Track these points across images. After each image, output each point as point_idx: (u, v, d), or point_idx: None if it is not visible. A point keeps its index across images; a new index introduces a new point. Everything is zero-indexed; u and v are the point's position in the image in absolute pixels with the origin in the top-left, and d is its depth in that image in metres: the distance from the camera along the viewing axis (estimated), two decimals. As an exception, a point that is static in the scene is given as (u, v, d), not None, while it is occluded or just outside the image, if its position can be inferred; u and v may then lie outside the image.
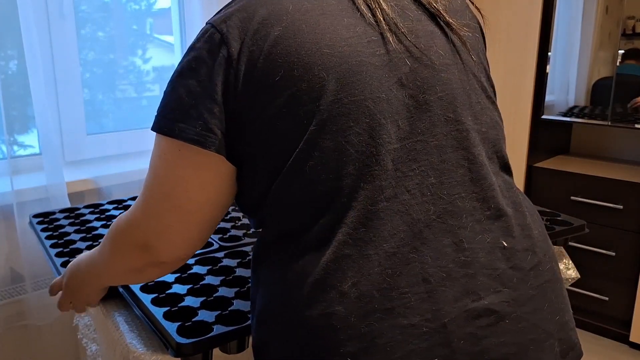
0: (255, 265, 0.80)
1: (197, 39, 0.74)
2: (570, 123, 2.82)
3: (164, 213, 0.76)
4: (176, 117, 0.72)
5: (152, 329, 1.00)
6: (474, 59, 0.80)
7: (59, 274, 1.18)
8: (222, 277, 1.15)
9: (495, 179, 0.76)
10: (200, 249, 1.29)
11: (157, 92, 2.07)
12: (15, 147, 1.78)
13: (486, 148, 0.77)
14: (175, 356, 0.92)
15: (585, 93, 2.50)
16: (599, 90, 2.45)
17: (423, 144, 0.71)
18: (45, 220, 1.50)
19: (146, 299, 1.06)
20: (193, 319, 0.99)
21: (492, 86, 0.85)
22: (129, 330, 1.07)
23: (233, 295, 1.07)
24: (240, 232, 1.39)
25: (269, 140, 0.72)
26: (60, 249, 1.30)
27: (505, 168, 0.82)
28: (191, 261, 1.22)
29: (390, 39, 0.73)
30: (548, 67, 2.53)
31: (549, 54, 2.52)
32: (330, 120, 0.69)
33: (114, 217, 1.50)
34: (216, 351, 0.98)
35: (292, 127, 0.70)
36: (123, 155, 1.92)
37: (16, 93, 1.72)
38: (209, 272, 1.17)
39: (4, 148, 1.65)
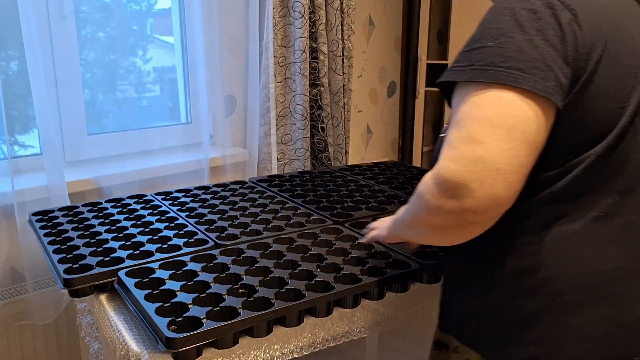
0: (505, 236, 0.86)
1: (529, 2, 0.80)
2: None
3: (493, 155, 0.75)
4: (521, 67, 0.77)
5: (144, 324, 1.00)
6: None
7: (57, 270, 1.19)
8: (216, 274, 1.15)
9: None
10: (196, 246, 1.29)
11: (157, 92, 2.08)
12: (16, 147, 1.79)
13: None
14: (165, 350, 0.92)
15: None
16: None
17: None
18: (44, 218, 1.51)
19: (139, 294, 1.06)
20: (184, 314, 0.99)
21: None
22: (129, 330, 1.07)
23: (225, 292, 1.07)
24: (237, 231, 1.39)
25: (600, 108, 0.81)
26: (58, 246, 1.31)
27: None
28: (186, 258, 1.22)
29: None
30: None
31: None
32: None
33: (112, 215, 1.51)
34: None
35: (624, 101, 0.82)
36: (123, 156, 1.92)
37: (17, 93, 1.73)
38: (204, 269, 1.18)
39: (5, 148, 1.66)
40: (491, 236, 0.85)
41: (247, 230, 1.41)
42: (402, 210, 0.97)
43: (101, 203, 1.62)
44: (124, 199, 1.66)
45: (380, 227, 1.13)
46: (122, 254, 1.25)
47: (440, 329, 1.03)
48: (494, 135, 0.75)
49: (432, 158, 0.94)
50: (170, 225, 1.43)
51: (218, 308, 1.01)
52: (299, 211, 1.55)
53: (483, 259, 0.90)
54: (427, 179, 0.81)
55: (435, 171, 0.79)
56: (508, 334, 0.87)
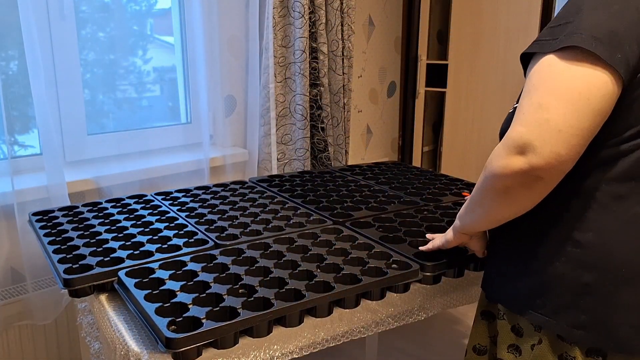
0: (586, 208, 0.94)
1: None
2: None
3: (557, 118, 0.84)
4: (595, 36, 0.85)
5: (144, 324, 1.00)
6: None
7: (57, 270, 1.19)
8: (216, 274, 1.15)
9: None
10: (196, 247, 1.30)
11: (157, 92, 2.08)
12: (16, 147, 1.79)
13: None
14: (165, 350, 0.92)
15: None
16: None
17: None
18: (44, 218, 1.51)
19: (139, 294, 1.06)
20: (184, 315, 0.99)
21: None
22: (129, 330, 1.07)
23: (225, 292, 1.07)
24: (237, 231, 1.39)
25: None
26: (58, 246, 1.31)
27: None
28: (186, 258, 1.22)
29: None
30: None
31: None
32: None
33: (112, 215, 1.51)
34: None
35: None
36: (123, 156, 1.92)
37: (17, 93, 1.73)
38: (204, 270, 1.18)
39: (5, 148, 1.66)
40: (553, 211, 0.95)
41: (247, 230, 1.41)
42: (465, 204, 1.07)
43: (101, 203, 1.62)
44: (124, 199, 1.66)
45: (444, 234, 1.20)
46: (122, 254, 1.25)
47: (487, 297, 1.11)
48: (559, 101, 0.84)
49: (501, 132, 1.02)
50: (170, 225, 1.43)
51: (218, 308, 1.01)
52: (299, 211, 1.55)
53: (544, 231, 0.98)
54: (496, 147, 0.91)
55: (505, 137, 0.89)
56: (561, 302, 0.95)
